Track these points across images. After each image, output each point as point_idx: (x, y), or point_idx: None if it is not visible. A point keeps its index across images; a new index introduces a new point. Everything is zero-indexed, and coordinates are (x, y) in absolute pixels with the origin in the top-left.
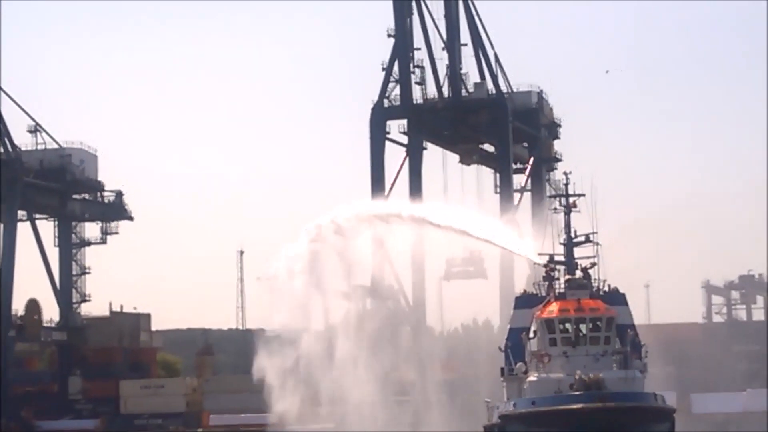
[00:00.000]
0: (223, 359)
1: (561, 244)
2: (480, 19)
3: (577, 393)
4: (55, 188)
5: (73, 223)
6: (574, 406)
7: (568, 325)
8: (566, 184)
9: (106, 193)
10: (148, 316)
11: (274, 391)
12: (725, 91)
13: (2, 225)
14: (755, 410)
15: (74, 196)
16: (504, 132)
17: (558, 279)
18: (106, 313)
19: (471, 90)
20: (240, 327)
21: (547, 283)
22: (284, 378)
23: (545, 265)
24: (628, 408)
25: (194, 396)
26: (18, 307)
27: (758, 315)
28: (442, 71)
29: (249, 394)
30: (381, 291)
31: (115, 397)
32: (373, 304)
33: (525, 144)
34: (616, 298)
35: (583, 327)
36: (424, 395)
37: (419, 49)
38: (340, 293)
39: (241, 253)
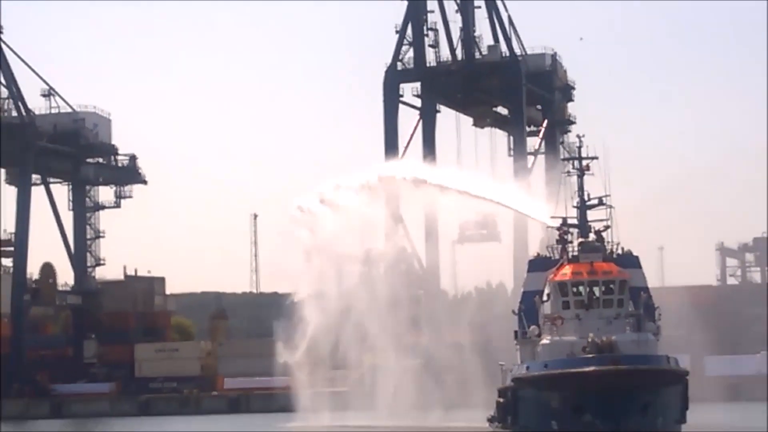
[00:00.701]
0: (236, 323)
1: (574, 207)
2: None
3: (590, 356)
4: (68, 152)
5: (87, 187)
6: (586, 369)
7: (581, 288)
8: (579, 147)
9: (119, 157)
10: (162, 280)
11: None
12: (743, 55)
13: (16, 189)
14: None
15: (88, 160)
16: (517, 95)
17: (571, 242)
18: (121, 277)
19: (484, 52)
20: (254, 291)
21: (560, 246)
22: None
23: (558, 228)
24: (640, 371)
25: (208, 360)
26: (33, 271)
27: None
28: (456, 34)
29: (262, 358)
30: (395, 255)
31: (130, 361)
32: (387, 269)
33: (539, 107)
34: (629, 260)
35: (596, 290)
36: (438, 359)
37: (432, 11)
38: (354, 258)
39: (255, 216)
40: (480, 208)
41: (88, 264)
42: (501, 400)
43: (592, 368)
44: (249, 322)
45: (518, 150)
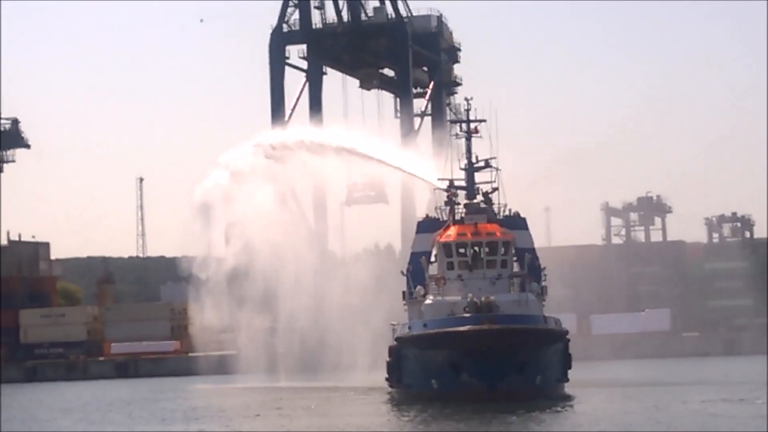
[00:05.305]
0: (123, 287)
1: (461, 169)
2: None
3: (467, 315)
4: None
5: None
6: (461, 329)
7: (464, 249)
8: (467, 110)
9: (2, 121)
10: (47, 245)
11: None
12: (633, 25)
13: None
14: (654, 330)
15: None
16: (403, 56)
17: (459, 204)
18: (4, 242)
19: (370, 14)
20: (140, 255)
21: (448, 207)
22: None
23: (446, 190)
24: (515, 330)
25: (95, 324)
26: None
27: (656, 236)
28: None
29: (150, 322)
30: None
31: (15, 327)
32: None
33: (425, 68)
34: (516, 222)
35: (480, 251)
36: (328, 321)
37: None
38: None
39: (141, 180)
40: (368, 169)
41: None
42: (389, 359)
43: (467, 327)
44: (136, 286)
45: (405, 112)
